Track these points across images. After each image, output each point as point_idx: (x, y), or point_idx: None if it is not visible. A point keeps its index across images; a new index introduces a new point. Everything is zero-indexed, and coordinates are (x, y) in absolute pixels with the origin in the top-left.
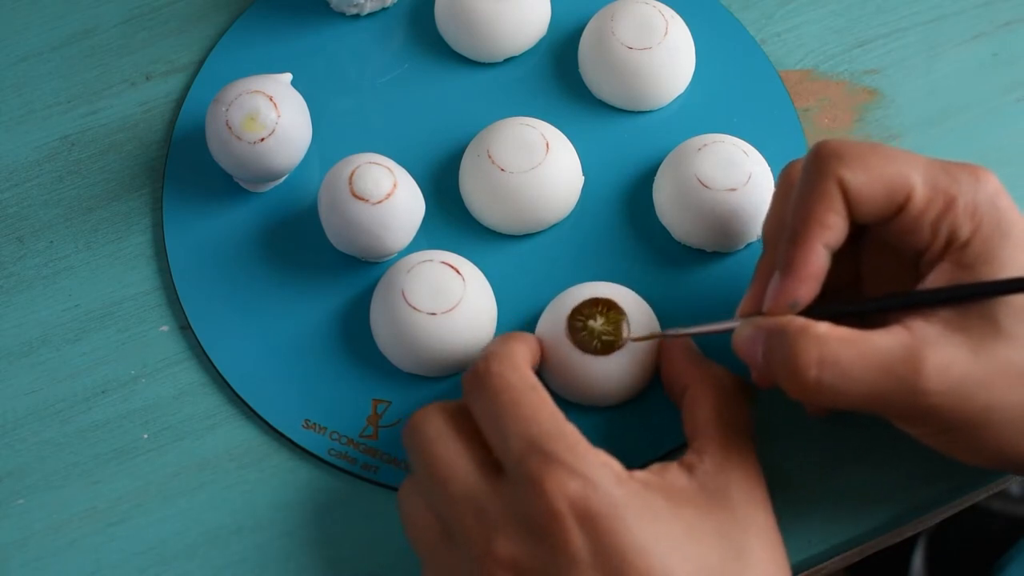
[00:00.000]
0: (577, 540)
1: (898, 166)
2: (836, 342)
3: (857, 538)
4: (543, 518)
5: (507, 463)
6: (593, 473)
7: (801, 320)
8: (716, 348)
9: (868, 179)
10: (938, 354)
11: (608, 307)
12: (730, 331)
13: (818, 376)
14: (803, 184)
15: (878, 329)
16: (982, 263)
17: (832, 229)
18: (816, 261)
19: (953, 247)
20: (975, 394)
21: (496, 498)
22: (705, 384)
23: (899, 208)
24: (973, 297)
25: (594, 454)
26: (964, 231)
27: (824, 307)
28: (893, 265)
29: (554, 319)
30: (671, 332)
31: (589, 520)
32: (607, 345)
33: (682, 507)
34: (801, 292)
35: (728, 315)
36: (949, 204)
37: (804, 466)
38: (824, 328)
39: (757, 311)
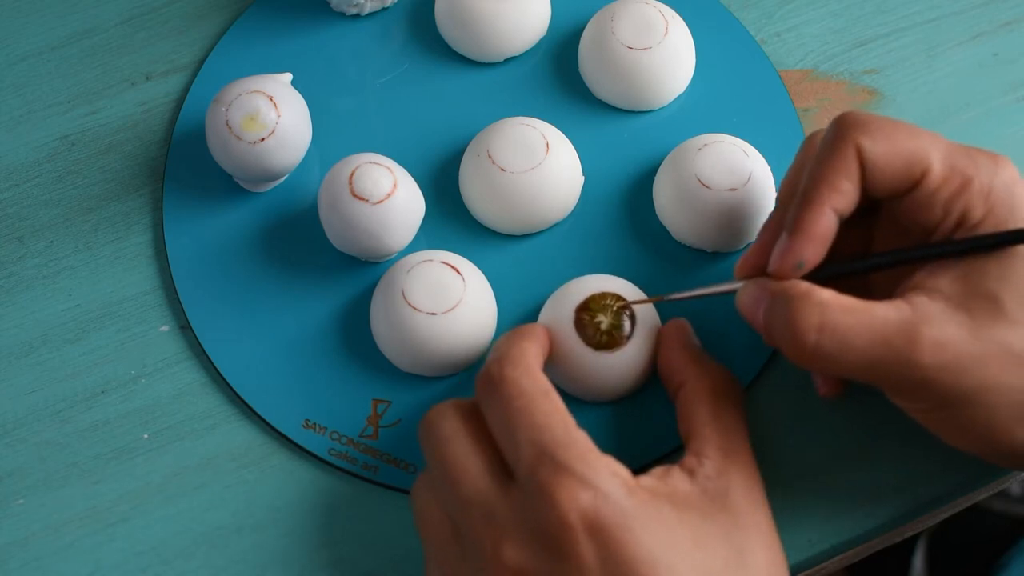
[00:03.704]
0: (587, 551)
1: (918, 141)
2: (837, 309)
3: (857, 538)
4: (553, 528)
5: (518, 470)
6: (604, 484)
7: (805, 285)
8: (717, 355)
9: (887, 150)
10: (936, 330)
11: (615, 301)
12: (732, 293)
13: (817, 341)
14: (822, 149)
15: (881, 301)
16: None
17: (844, 194)
18: (825, 223)
19: (964, 227)
20: (970, 373)
21: (506, 504)
22: (700, 383)
23: (914, 183)
24: (975, 250)
25: (604, 463)
26: (976, 213)
27: (828, 267)
28: (904, 245)
29: (557, 312)
30: (672, 296)
31: (599, 531)
32: (613, 340)
33: (687, 514)
34: (808, 252)
35: (728, 314)
36: (965, 185)
37: (804, 466)
38: (827, 295)
39: (759, 268)
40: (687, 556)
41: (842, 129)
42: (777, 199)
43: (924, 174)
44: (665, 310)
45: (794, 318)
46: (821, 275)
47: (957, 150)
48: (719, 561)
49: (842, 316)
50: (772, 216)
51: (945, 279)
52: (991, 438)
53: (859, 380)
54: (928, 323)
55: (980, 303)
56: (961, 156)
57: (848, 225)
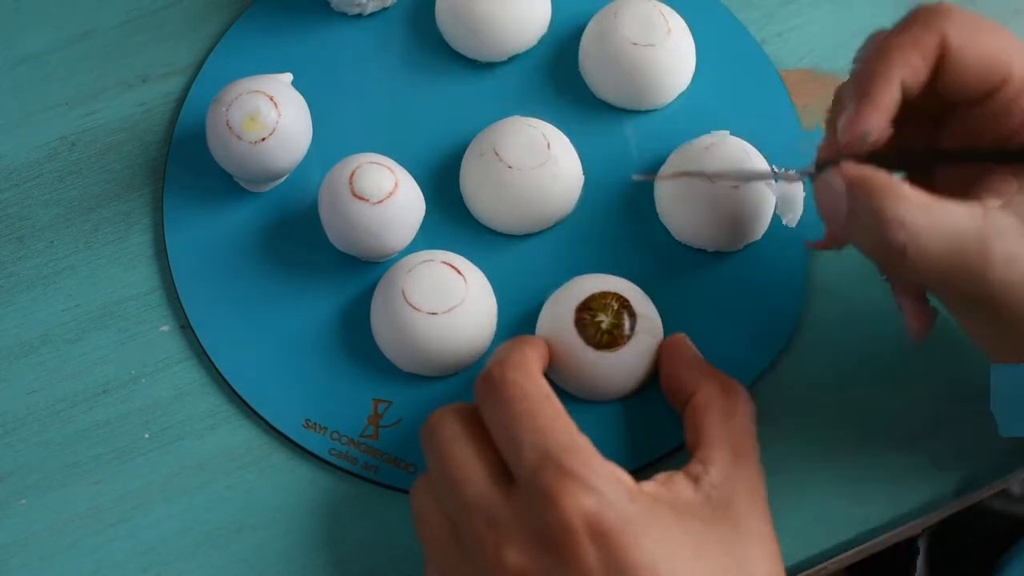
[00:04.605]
0: (589, 556)
1: (1003, 44)
2: (915, 207)
3: (857, 538)
4: (556, 532)
5: (520, 473)
6: (607, 489)
7: (884, 177)
8: (719, 355)
9: (971, 45)
10: (1009, 243)
11: (616, 301)
12: (771, 179)
13: (905, 241)
14: (896, 27)
15: (954, 200)
16: None
17: (914, 70)
18: (891, 92)
19: None
20: None
21: (508, 507)
22: (711, 393)
23: (993, 88)
24: None
25: (607, 469)
26: None
27: (897, 153)
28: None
29: (557, 312)
30: (698, 172)
31: (602, 536)
32: (614, 339)
33: (689, 521)
34: (874, 121)
35: (729, 314)
36: None
37: (804, 466)
38: (907, 189)
39: (833, 157)
40: (688, 563)
41: (927, 15)
42: (838, 96)
43: (1004, 80)
44: (666, 311)
45: (881, 210)
46: (890, 163)
47: None
48: (719, 570)
49: (919, 215)
50: (832, 113)
51: (1021, 184)
52: None
53: (928, 285)
54: (1001, 236)
55: None
56: None
57: (912, 129)
